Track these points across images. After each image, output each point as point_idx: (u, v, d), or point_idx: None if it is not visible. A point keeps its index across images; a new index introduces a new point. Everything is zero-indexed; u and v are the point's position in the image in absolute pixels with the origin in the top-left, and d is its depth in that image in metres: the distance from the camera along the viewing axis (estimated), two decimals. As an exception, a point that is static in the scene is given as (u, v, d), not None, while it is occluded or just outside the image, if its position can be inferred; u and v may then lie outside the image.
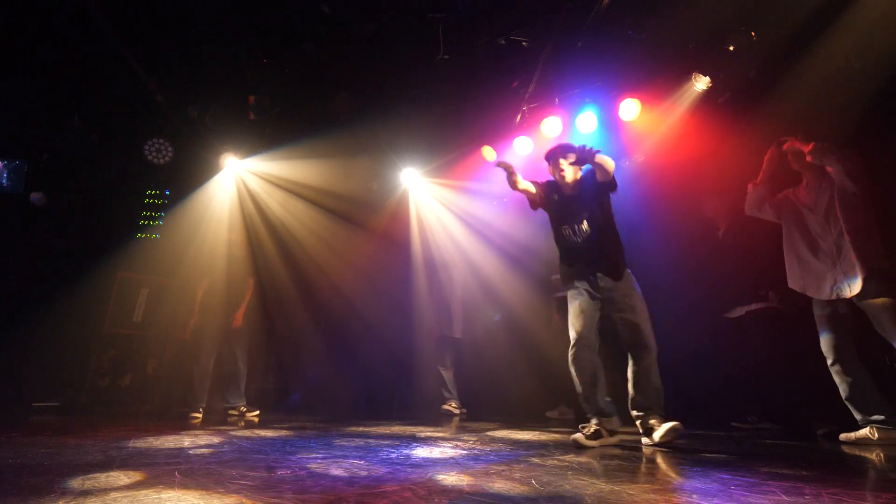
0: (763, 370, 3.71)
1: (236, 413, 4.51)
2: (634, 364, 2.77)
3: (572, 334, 2.84)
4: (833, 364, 2.90)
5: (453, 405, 4.97)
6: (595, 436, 2.66)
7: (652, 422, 2.64)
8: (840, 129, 3.19)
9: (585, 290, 2.89)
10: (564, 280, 3.01)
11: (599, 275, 2.87)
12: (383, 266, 6.23)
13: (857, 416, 2.83)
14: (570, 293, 2.96)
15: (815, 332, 3.04)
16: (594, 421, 2.74)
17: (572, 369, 2.81)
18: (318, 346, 5.88)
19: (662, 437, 2.52)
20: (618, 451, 2.47)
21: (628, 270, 2.89)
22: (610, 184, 2.88)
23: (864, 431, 2.77)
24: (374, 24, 4.21)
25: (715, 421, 3.80)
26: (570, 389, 4.56)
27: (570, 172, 3.00)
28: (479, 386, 5.43)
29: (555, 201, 3.06)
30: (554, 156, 3.03)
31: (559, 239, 3.07)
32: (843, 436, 2.84)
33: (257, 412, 4.57)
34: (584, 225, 2.93)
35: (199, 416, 4.16)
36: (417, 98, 4.99)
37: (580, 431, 2.68)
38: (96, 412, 4.60)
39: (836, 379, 2.90)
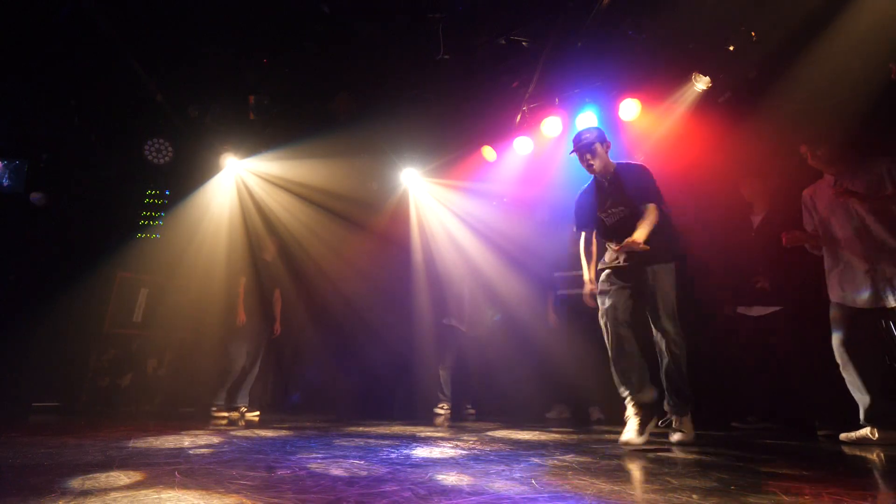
0: (766, 370, 3.70)
1: (237, 414, 4.52)
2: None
3: None
4: (845, 366, 2.84)
5: (444, 407, 5.01)
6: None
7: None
8: (840, 129, 3.18)
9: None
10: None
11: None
12: (383, 266, 6.23)
13: (861, 415, 2.82)
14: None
15: (821, 330, 3.02)
16: None
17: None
18: (318, 346, 5.88)
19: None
20: (618, 451, 2.47)
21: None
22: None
23: (865, 431, 2.76)
24: (374, 24, 4.21)
25: (715, 421, 3.80)
26: (566, 389, 4.63)
27: (599, 164, 2.97)
28: (480, 386, 5.43)
29: (590, 198, 3.06)
30: (581, 150, 2.99)
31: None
32: (843, 436, 2.83)
33: (257, 413, 4.57)
34: (619, 208, 2.93)
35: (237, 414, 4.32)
36: (417, 98, 4.99)
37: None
38: (96, 412, 4.60)
39: (847, 377, 2.85)
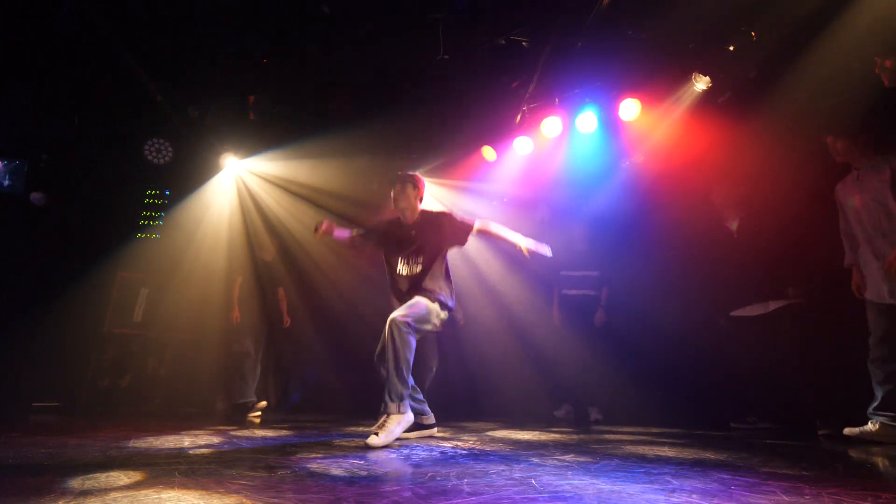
0: (767, 370, 3.70)
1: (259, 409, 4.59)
2: None
3: None
4: (877, 358, 2.83)
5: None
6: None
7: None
8: (840, 129, 3.19)
9: None
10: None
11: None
12: (383, 266, 6.22)
13: (871, 407, 2.82)
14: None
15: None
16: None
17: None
18: (318, 346, 5.88)
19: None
20: (618, 451, 2.47)
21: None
22: (461, 239, 3.04)
23: (868, 426, 2.78)
24: (374, 24, 4.21)
25: (715, 421, 3.80)
26: (567, 389, 4.64)
27: (405, 204, 3.10)
28: (480, 385, 5.42)
29: (390, 234, 3.16)
30: (402, 179, 3.11)
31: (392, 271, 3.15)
32: (847, 430, 2.84)
33: (264, 402, 4.65)
34: (419, 259, 3.03)
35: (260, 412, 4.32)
36: (417, 98, 4.99)
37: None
38: (96, 412, 4.60)
39: (875, 369, 2.84)
